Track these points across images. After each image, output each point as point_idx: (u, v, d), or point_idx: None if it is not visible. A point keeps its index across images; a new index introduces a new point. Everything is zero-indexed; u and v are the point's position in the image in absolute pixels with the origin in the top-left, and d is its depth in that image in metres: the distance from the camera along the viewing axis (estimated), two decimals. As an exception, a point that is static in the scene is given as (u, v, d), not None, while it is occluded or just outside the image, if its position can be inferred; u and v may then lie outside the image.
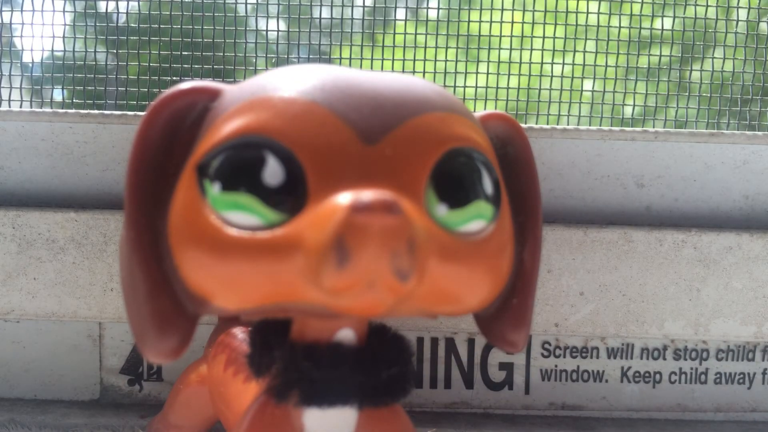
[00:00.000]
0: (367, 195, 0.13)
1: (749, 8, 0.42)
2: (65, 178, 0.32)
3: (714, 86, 0.40)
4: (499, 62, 0.39)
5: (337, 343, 0.16)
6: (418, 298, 0.14)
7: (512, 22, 0.39)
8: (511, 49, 0.40)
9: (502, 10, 0.40)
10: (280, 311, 0.15)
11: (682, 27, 0.40)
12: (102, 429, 0.30)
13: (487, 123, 0.18)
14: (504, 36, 0.39)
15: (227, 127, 0.15)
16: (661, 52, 0.41)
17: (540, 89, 0.40)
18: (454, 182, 0.15)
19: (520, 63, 0.39)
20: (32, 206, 0.31)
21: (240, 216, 0.14)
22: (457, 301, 0.15)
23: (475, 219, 0.15)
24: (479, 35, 0.39)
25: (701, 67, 0.41)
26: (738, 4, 0.42)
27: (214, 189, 0.14)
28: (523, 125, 0.32)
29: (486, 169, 0.16)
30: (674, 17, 0.40)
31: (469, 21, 0.39)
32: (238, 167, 0.14)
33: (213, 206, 0.14)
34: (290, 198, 0.14)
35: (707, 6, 0.40)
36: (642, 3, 0.39)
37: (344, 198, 0.13)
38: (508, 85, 0.39)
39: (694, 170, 0.33)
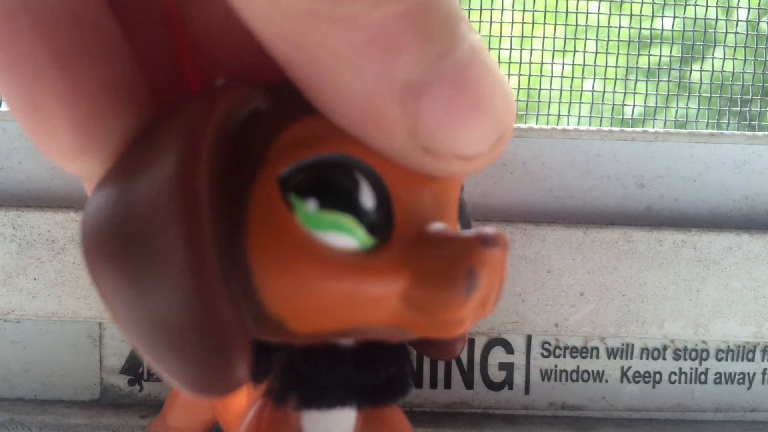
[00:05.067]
0: (489, 230, 0.14)
1: (749, 8, 0.42)
2: (65, 178, 0.32)
3: (714, 86, 0.40)
4: (499, 62, 0.39)
5: (334, 345, 0.16)
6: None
7: (512, 22, 0.39)
8: (511, 48, 0.40)
9: (502, 10, 0.40)
10: (347, 335, 0.15)
11: (683, 27, 0.40)
12: (102, 429, 0.30)
13: None
14: (504, 36, 0.39)
15: (307, 138, 0.14)
16: (661, 52, 0.41)
17: (540, 89, 0.40)
18: (463, 214, 0.16)
19: (520, 63, 0.39)
20: (32, 206, 0.31)
21: (337, 237, 0.13)
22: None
23: None
24: (479, 35, 0.39)
25: (701, 67, 0.41)
26: (738, 4, 0.42)
27: (309, 206, 0.13)
28: (523, 125, 0.32)
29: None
30: (674, 17, 0.40)
31: (468, 21, 0.39)
32: (337, 185, 0.14)
33: (306, 224, 0.13)
34: (381, 222, 0.14)
35: (707, 6, 0.40)
36: (642, 3, 0.39)
37: (468, 231, 0.14)
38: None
39: (694, 170, 0.33)
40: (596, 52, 0.39)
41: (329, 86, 0.12)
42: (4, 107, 0.38)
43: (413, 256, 0.14)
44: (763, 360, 0.33)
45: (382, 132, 0.12)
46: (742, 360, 0.33)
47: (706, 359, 0.33)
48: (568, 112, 0.40)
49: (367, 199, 0.14)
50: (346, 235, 0.13)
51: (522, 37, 0.39)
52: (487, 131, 0.13)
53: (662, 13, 0.40)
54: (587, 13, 0.39)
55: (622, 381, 0.33)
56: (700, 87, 0.40)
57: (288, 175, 0.13)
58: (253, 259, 0.13)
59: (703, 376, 0.33)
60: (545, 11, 0.39)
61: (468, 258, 0.13)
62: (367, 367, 0.16)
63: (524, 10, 0.39)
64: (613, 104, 0.40)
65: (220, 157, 0.13)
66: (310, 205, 0.13)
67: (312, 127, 0.14)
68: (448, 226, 0.14)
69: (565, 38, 0.39)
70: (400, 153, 0.13)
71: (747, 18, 0.42)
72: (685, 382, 0.33)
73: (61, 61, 0.13)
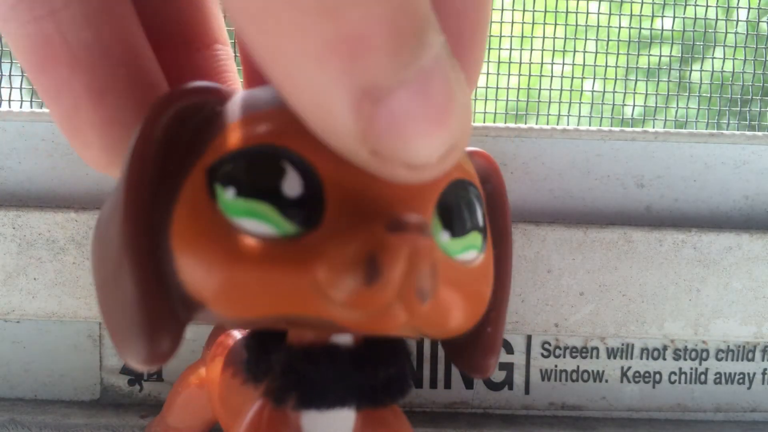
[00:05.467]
0: (410, 216, 0.13)
1: (749, 8, 0.42)
2: (65, 178, 0.32)
3: (714, 86, 0.40)
4: (499, 62, 0.39)
5: (334, 345, 0.16)
6: (420, 318, 0.14)
7: (512, 22, 0.39)
8: (511, 49, 0.40)
9: (502, 10, 0.40)
10: (276, 323, 0.15)
11: (683, 27, 0.40)
12: (102, 429, 0.30)
13: (472, 158, 0.18)
14: (504, 36, 0.39)
15: (243, 132, 0.14)
16: (661, 52, 0.41)
17: (540, 89, 0.40)
18: (454, 212, 0.16)
19: (520, 63, 0.39)
20: (32, 206, 0.31)
21: (254, 224, 0.14)
22: (446, 324, 0.16)
23: (470, 249, 0.16)
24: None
25: (701, 67, 0.41)
26: (738, 4, 0.42)
27: (228, 194, 0.14)
28: (523, 125, 0.32)
29: (479, 201, 0.17)
30: (674, 17, 0.40)
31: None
32: (257, 174, 0.14)
33: (225, 211, 0.14)
34: (307, 211, 0.14)
35: (707, 6, 0.40)
36: (642, 3, 0.39)
37: (377, 215, 0.13)
38: (508, 84, 0.39)
39: (694, 170, 0.33)
40: (596, 52, 0.39)
41: (289, 76, 0.12)
42: (4, 107, 0.38)
43: (327, 243, 0.14)
44: (763, 360, 0.33)
45: (332, 129, 0.13)
46: (742, 360, 0.33)
47: (706, 359, 0.33)
48: (568, 112, 0.40)
49: (292, 187, 0.14)
50: (262, 222, 0.14)
51: (522, 37, 0.39)
52: (439, 143, 0.13)
53: (662, 13, 0.40)
54: (587, 13, 0.39)
55: (622, 381, 0.33)
56: (700, 87, 0.40)
57: (215, 166, 0.14)
58: (174, 241, 0.14)
59: (703, 376, 0.33)
60: (545, 11, 0.39)
61: (366, 243, 0.13)
62: (366, 367, 0.16)
63: (524, 10, 0.39)
64: (613, 104, 0.40)
65: (167, 152, 0.15)
66: (229, 193, 0.14)
67: (252, 122, 0.14)
68: (405, 213, 0.14)
69: (565, 38, 0.40)
70: (347, 151, 0.13)
71: (747, 18, 0.42)
72: (685, 382, 0.33)
73: (96, 92, 0.15)
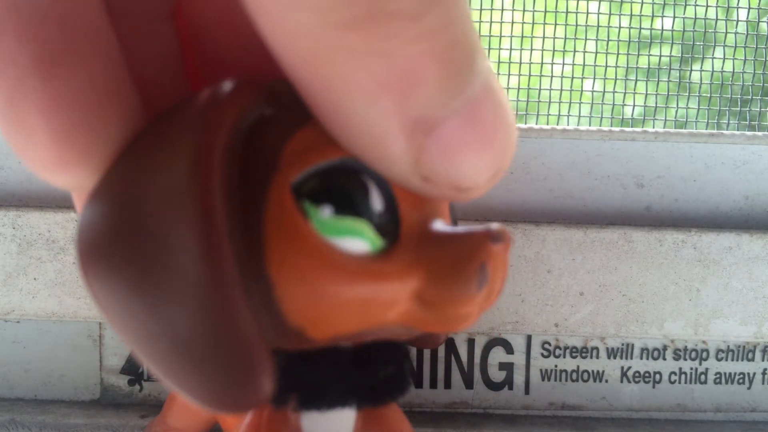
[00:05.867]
0: (495, 225, 0.14)
1: (749, 8, 0.42)
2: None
3: (714, 86, 0.40)
4: (499, 62, 0.39)
5: (333, 346, 0.16)
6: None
7: (512, 22, 0.39)
8: (511, 48, 0.40)
9: (503, 10, 0.40)
10: (361, 337, 0.15)
11: (683, 27, 0.40)
12: (102, 429, 0.30)
13: None
14: (504, 36, 0.39)
15: (317, 142, 0.14)
16: (661, 52, 0.41)
17: (540, 89, 0.41)
18: (452, 209, 0.17)
19: (521, 63, 0.39)
20: (32, 206, 0.31)
21: (352, 242, 0.14)
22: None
23: None
24: (479, 35, 0.39)
25: (701, 67, 0.41)
26: (738, 4, 0.42)
27: (323, 213, 0.13)
28: (523, 125, 0.32)
29: None
30: (674, 17, 0.40)
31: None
32: (350, 190, 0.14)
33: (321, 231, 0.13)
34: (390, 224, 0.14)
35: (707, 6, 0.40)
36: (642, 3, 0.39)
37: (475, 227, 0.14)
38: (508, 84, 0.39)
39: (694, 170, 0.33)
40: (596, 52, 0.39)
41: (340, 112, 0.12)
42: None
43: (424, 254, 0.14)
44: (763, 360, 0.34)
45: (383, 159, 0.13)
46: (742, 360, 0.33)
47: (706, 359, 0.33)
48: (568, 112, 0.40)
49: (377, 202, 0.14)
50: (359, 240, 0.14)
51: (522, 37, 0.39)
52: (488, 166, 0.13)
53: (662, 13, 0.40)
54: (587, 13, 0.39)
55: (622, 381, 0.33)
56: (700, 87, 0.40)
57: (301, 182, 0.13)
58: (272, 269, 0.13)
59: (703, 376, 0.34)
60: (545, 11, 0.39)
61: (479, 253, 0.14)
62: (366, 366, 0.16)
63: (524, 10, 0.39)
64: (613, 104, 0.40)
65: (232, 165, 0.13)
66: (325, 212, 0.13)
67: (319, 131, 0.13)
68: (448, 223, 0.15)
69: (566, 38, 0.40)
70: (398, 178, 0.13)
71: (747, 18, 0.42)
72: (685, 382, 0.33)
73: (45, 64, 0.13)
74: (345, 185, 0.14)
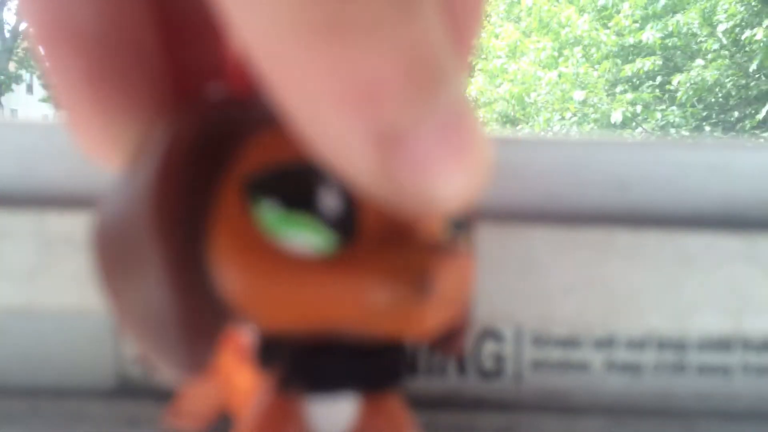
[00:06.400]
0: (447, 243, 0.14)
1: (729, 20, 0.44)
2: (87, 179, 0.33)
3: (695, 94, 0.42)
4: (492, 72, 0.41)
5: (337, 336, 0.17)
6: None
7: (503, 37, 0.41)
8: (504, 59, 0.41)
9: (497, 22, 0.41)
10: (309, 331, 0.15)
11: (665, 38, 0.42)
12: (120, 418, 0.32)
13: None
14: (498, 48, 0.41)
15: (276, 143, 0.14)
16: (644, 63, 0.43)
17: (531, 97, 0.42)
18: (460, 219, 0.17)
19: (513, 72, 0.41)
20: (55, 206, 0.32)
21: (298, 236, 0.14)
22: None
23: None
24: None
25: (683, 76, 0.42)
26: (718, 16, 0.43)
27: (270, 206, 0.14)
28: (513, 131, 0.34)
29: None
30: (657, 30, 0.41)
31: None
32: (300, 186, 0.14)
33: (268, 223, 0.14)
34: (345, 221, 0.14)
35: (689, 19, 0.41)
36: (629, 17, 0.41)
37: (411, 233, 0.14)
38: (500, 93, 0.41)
39: (675, 174, 0.35)
40: (584, 63, 0.41)
41: (306, 116, 0.12)
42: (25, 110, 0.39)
43: (371, 258, 0.14)
44: (741, 352, 0.35)
45: (353, 170, 0.12)
46: (722, 351, 0.35)
47: (687, 351, 0.35)
48: (557, 119, 0.41)
49: (331, 198, 0.14)
50: (306, 234, 0.14)
51: (514, 49, 0.41)
52: (458, 179, 0.13)
53: (646, 27, 0.41)
54: (576, 26, 0.41)
55: (607, 372, 0.35)
56: (681, 95, 0.42)
57: (253, 175, 0.14)
58: (215, 252, 0.14)
59: (684, 368, 0.35)
60: (536, 25, 0.40)
61: (420, 261, 0.14)
62: (369, 352, 0.17)
63: (517, 22, 0.40)
64: (599, 112, 0.41)
65: (194, 163, 0.14)
66: (273, 205, 0.14)
67: (282, 132, 0.14)
68: (425, 227, 0.15)
69: (556, 49, 0.41)
70: (368, 190, 0.13)
71: (727, 29, 0.43)
72: (668, 373, 0.35)
73: (94, 79, 0.15)
74: (296, 181, 0.14)
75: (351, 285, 0.14)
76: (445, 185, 0.13)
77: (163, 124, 0.15)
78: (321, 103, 0.12)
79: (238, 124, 0.15)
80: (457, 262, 0.14)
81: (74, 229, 0.32)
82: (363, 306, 0.14)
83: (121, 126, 0.16)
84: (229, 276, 0.14)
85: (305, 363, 0.16)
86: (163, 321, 0.14)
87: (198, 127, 0.15)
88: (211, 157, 0.15)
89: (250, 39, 0.12)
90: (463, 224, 0.17)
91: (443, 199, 0.13)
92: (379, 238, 0.14)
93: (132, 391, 0.34)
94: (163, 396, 0.33)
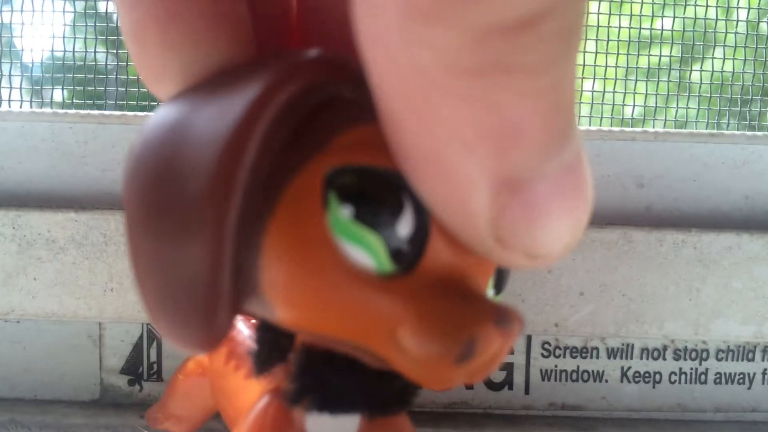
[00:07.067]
0: (510, 308, 0.13)
1: (749, 8, 0.42)
2: (65, 178, 0.32)
3: (714, 86, 0.40)
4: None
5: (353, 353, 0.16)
6: None
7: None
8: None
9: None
10: (333, 343, 0.14)
11: (683, 27, 0.40)
12: (102, 429, 0.31)
13: None
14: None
15: (374, 143, 0.13)
16: (661, 53, 0.41)
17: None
18: (504, 273, 0.16)
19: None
20: (32, 206, 0.31)
21: (358, 252, 0.13)
22: None
23: None
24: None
25: (701, 67, 0.41)
26: (738, 4, 0.42)
27: (344, 211, 0.13)
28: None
29: None
30: (674, 17, 0.40)
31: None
32: (380, 202, 0.13)
33: (333, 226, 0.13)
34: (410, 254, 0.13)
35: (707, 6, 0.40)
36: (642, 3, 0.39)
37: (489, 299, 0.13)
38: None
39: (693, 170, 0.33)
40: (596, 53, 0.39)
41: (427, 153, 0.12)
42: (4, 107, 0.38)
43: (422, 298, 0.13)
44: (763, 360, 0.34)
45: (461, 213, 0.12)
46: (742, 360, 0.34)
47: (706, 359, 0.33)
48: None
49: (405, 225, 0.13)
50: (366, 253, 0.13)
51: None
52: (565, 236, 0.13)
53: (662, 14, 0.40)
54: (588, 13, 0.39)
55: (622, 381, 0.33)
56: (700, 87, 0.40)
57: (336, 172, 0.13)
58: (269, 240, 0.13)
59: (703, 376, 0.34)
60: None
61: (473, 328, 0.13)
62: (383, 375, 0.16)
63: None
64: (613, 104, 0.40)
65: (278, 130, 0.13)
66: (345, 211, 0.13)
67: (380, 134, 0.13)
68: (477, 284, 0.14)
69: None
70: (470, 234, 0.12)
71: (747, 18, 0.42)
72: (685, 382, 0.34)
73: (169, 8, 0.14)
74: (378, 194, 0.13)
75: (395, 316, 0.13)
76: (553, 237, 0.12)
77: (254, 65, 0.14)
78: (454, 140, 0.11)
79: (344, 105, 0.14)
80: (509, 342, 0.13)
81: (55, 230, 0.31)
82: (398, 342, 0.13)
83: (190, 46, 0.14)
84: (277, 264, 0.13)
85: (316, 378, 0.16)
86: (195, 291, 0.13)
87: (301, 85, 0.13)
88: (309, 127, 0.13)
89: (388, 65, 0.11)
90: (501, 284, 0.16)
91: (548, 250, 0.13)
92: (436, 275, 0.13)
93: (115, 402, 0.33)
94: (147, 408, 0.32)
